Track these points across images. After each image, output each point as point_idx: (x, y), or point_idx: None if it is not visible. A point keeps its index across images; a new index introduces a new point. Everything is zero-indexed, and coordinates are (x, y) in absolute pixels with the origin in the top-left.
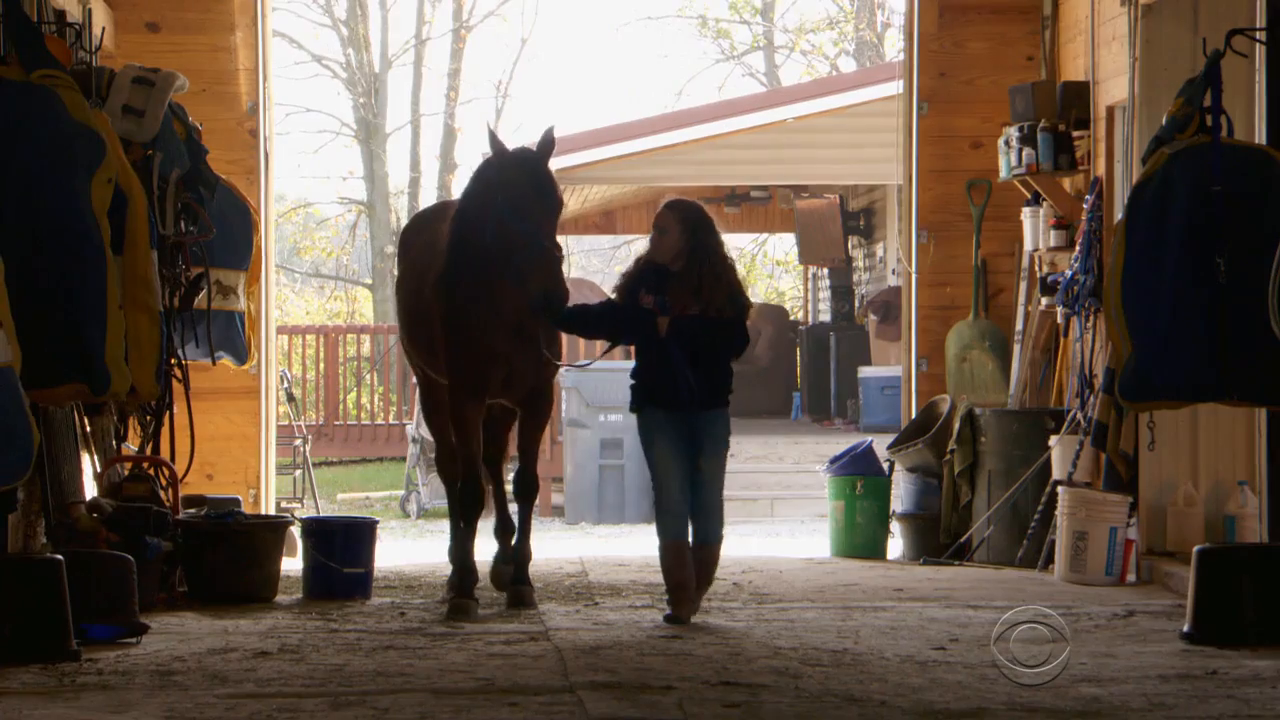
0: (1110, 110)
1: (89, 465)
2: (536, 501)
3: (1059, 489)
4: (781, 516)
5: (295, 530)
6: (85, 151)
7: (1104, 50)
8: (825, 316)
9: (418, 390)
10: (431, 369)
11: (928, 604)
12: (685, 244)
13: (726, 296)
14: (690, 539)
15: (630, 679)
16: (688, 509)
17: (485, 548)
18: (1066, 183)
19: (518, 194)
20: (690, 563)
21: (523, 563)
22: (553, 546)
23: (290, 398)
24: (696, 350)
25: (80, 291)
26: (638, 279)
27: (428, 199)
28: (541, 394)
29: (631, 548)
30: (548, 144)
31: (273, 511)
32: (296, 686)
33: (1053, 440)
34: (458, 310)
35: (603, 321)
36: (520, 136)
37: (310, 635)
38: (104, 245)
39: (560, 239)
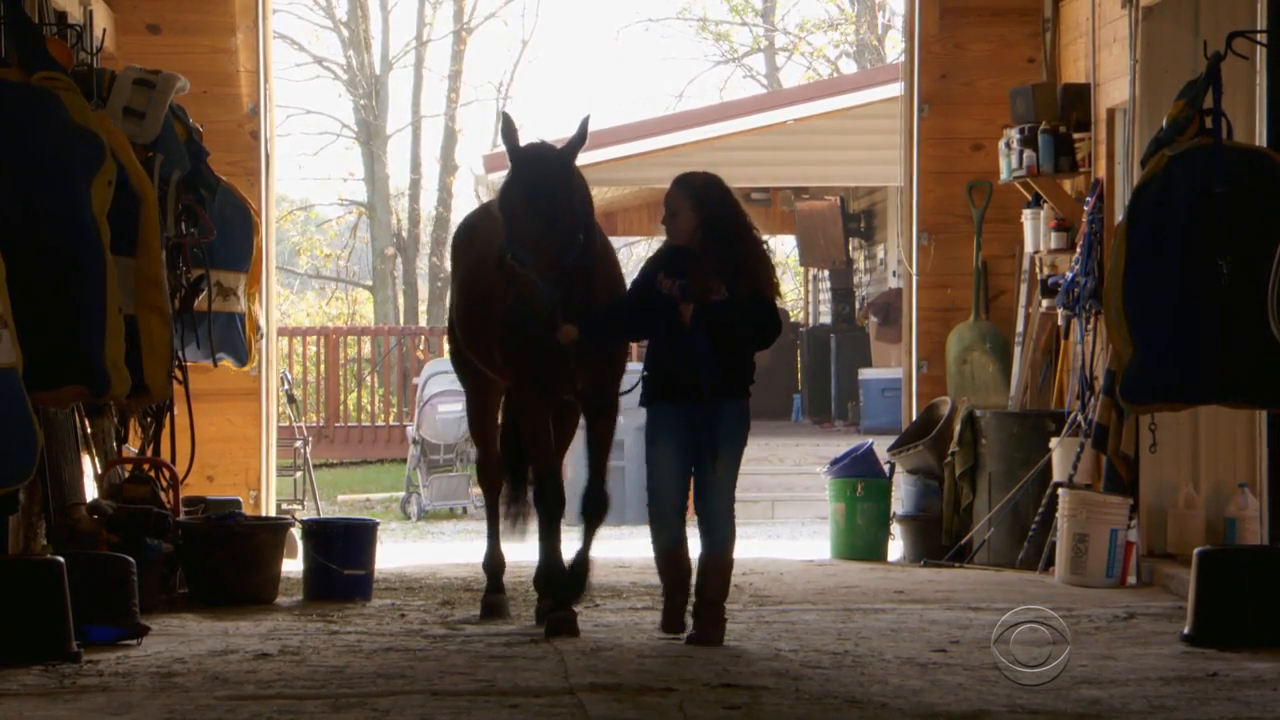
0: (1111, 112)
1: (90, 467)
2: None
3: (1060, 491)
4: (782, 518)
5: (295, 532)
6: (86, 154)
7: (1105, 52)
8: (826, 318)
9: (466, 399)
10: (491, 368)
11: (928, 606)
12: (700, 221)
13: (758, 275)
14: (700, 546)
15: (631, 681)
16: (682, 512)
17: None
18: (1067, 185)
19: (509, 205)
20: (685, 569)
21: (577, 587)
22: None
23: (291, 399)
24: (723, 338)
25: (81, 294)
26: (656, 263)
27: (428, 201)
28: (607, 391)
29: (631, 549)
30: (576, 140)
31: (273, 513)
32: (297, 688)
33: (1053, 442)
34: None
35: (616, 321)
36: (520, 138)
37: (311, 637)
38: (104, 248)
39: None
